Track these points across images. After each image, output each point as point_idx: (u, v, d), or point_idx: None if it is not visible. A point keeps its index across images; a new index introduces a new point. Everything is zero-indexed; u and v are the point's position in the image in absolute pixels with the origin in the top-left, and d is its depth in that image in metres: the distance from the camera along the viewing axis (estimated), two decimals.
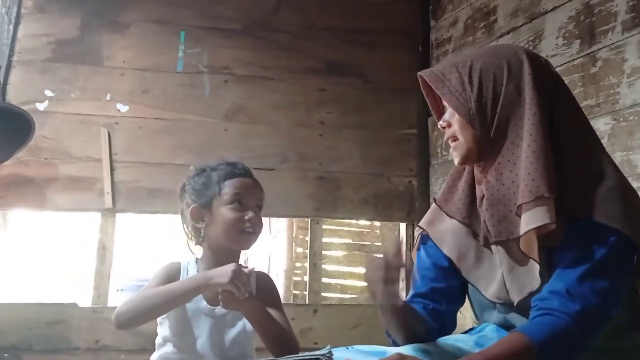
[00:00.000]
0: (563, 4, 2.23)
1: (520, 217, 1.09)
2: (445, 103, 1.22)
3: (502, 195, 1.12)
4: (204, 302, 1.45)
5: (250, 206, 1.47)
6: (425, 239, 1.31)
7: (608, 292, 1.03)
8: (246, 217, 1.44)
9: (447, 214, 1.26)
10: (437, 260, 1.28)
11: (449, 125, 1.20)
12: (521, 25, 2.43)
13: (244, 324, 1.45)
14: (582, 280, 1.02)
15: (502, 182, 1.13)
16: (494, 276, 1.17)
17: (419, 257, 1.32)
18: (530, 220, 1.06)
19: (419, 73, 1.24)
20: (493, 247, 1.18)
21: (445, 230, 1.26)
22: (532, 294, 1.09)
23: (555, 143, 1.10)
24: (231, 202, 1.45)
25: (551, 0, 2.29)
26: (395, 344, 1.21)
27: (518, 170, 1.11)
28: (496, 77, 1.15)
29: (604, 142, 1.99)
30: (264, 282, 1.53)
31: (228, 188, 1.46)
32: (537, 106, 1.11)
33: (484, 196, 1.16)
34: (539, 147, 1.08)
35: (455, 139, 1.19)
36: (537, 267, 1.08)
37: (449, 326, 1.27)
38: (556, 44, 2.24)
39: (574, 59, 2.15)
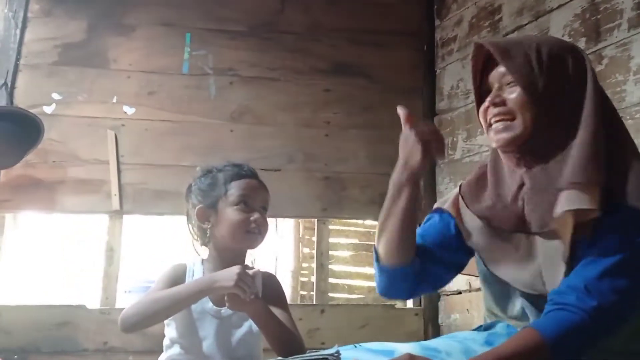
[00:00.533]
0: (568, 1, 2.23)
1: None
2: (502, 80, 1.15)
3: (547, 184, 1.09)
4: (210, 304, 1.46)
5: (256, 207, 1.48)
6: (443, 211, 1.29)
7: (627, 292, 1.01)
8: (252, 218, 1.46)
9: (473, 213, 1.22)
10: (444, 230, 1.27)
11: (504, 103, 1.14)
12: (526, 24, 2.42)
13: (250, 324, 1.45)
14: (601, 277, 1.01)
15: (548, 171, 1.10)
16: (526, 267, 1.14)
17: (429, 218, 1.31)
18: (570, 202, 1.04)
19: (478, 42, 1.19)
20: (523, 236, 1.14)
21: (472, 226, 1.23)
22: None
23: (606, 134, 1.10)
24: (237, 203, 1.46)
25: None
26: (377, 260, 1.23)
27: (566, 160, 1.08)
28: (564, 63, 1.13)
29: None
30: (270, 282, 1.54)
31: (234, 189, 1.48)
32: (598, 97, 1.11)
33: (521, 184, 1.13)
34: (594, 137, 1.07)
35: (510, 118, 1.13)
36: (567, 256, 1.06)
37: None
38: None
39: None
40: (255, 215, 1.46)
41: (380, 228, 1.22)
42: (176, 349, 1.46)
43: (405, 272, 1.22)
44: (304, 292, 4.58)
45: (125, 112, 2.75)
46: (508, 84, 1.14)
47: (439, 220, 1.29)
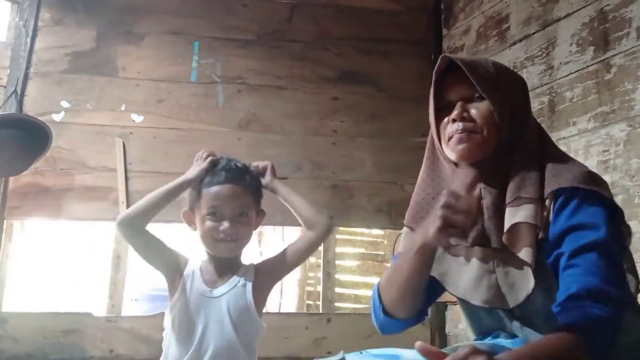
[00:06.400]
0: (576, 10, 2.22)
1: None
2: (466, 94, 1.15)
3: (502, 202, 1.11)
4: (204, 285, 1.48)
5: (226, 216, 1.46)
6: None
7: (614, 267, 1.01)
8: (220, 228, 1.45)
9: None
10: None
11: (471, 117, 1.13)
12: (534, 33, 2.42)
13: (247, 305, 1.47)
14: (589, 271, 1.00)
15: (500, 190, 1.12)
16: (483, 282, 1.13)
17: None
18: (513, 216, 1.06)
19: (445, 55, 1.17)
20: (481, 250, 1.13)
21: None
22: (529, 297, 1.07)
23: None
24: (207, 214, 1.47)
25: (564, 7, 2.29)
26: (386, 316, 1.19)
27: (510, 178, 1.11)
28: (519, 82, 1.19)
29: (620, 148, 1.98)
30: (260, 264, 1.57)
31: (204, 199, 1.48)
32: (535, 121, 1.19)
33: (480, 199, 1.13)
34: (533, 159, 1.12)
35: (475, 132, 1.12)
36: (529, 269, 1.06)
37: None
38: (570, 51, 2.23)
39: (588, 66, 2.14)
40: (223, 225, 1.45)
41: (390, 280, 1.18)
42: (173, 336, 1.47)
43: (409, 322, 1.21)
44: (310, 302, 4.55)
45: (134, 120, 2.76)
46: (473, 98, 1.14)
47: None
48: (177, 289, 1.49)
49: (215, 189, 1.48)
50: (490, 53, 2.65)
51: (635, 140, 1.94)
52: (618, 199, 1.96)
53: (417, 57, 3.03)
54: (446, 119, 1.16)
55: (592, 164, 2.07)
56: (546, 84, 2.32)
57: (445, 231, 1.02)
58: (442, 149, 1.19)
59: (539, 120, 2.36)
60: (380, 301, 1.19)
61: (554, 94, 2.28)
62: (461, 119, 1.13)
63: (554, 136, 2.24)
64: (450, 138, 1.14)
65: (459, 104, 1.14)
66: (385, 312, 1.19)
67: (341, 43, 2.99)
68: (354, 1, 3.06)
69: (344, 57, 2.97)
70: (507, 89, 1.15)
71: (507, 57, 2.54)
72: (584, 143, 2.12)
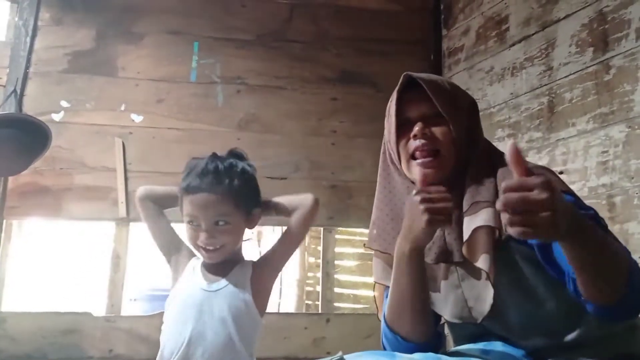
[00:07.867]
0: (576, 11, 2.23)
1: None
2: (426, 113, 1.17)
3: (459, 216, 1.11)
4: (203, 280, 1.48)
5: (203, 225, 1.42)
6: None
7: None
8: (200, 238, 1.43)
9: (388, 254, 1.20)
10: None
11: (433, 137, 1.15)
12: (533, 34, 2.42)
13: (244, 301, 1.46)
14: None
15: (458, 205, 1.12)
16: (450, 297, 1.14)
17: None
18: (472, 223, 1.07)
19: (408, 73, 1.18)
20: (444, 267, 1.14)
21: None
22: (495, 307, 1.06)
23: None
24: (186, 221, 1.45)
25: (564, 8, 2.29)
26: (397, 339, 1.14)
27: (465, 190, 1.13)
28: (471, 108, 1.21)
29: (619, 149, 1.98)
30: (258, 260, 1.57)
31: (184, 205, 1.45)
32: (484, 137, 1.23)
33: None
34: (485, 169, 1.14)
35: (437, 153, 1.15)
36: (487, 277, 1.06)
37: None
38: (569, 52, 2.23)
39: (587, 67, 2.14)
40: (201, 237, 1.42)
41: (394, 305, 1.15)
42: (167, 328, 1.47)
43: (430, 347, 1.15)
44: (309, 302, 4.56)
45: (133, 120, 2.76)
46: (431, 117, 1.16)
47: None
48: (177, 278, 1.50)
49: (189, 198, 1.43)
50: (490, 54, 2.65)
51: (635, 142, 1.94)
52: (617, 200, 1.97)
53: (417, 58, 3.03)
54: (406, 138, 1.18)
55: (591, 165, 2.07)
56: (545, 84, 2.32)
57: (435, 222, 1.03)
58: (399, 167, 1.21)
59: (538, 120, 2.38)
60: (395, 333, 1.14)
61: (553, 95, 2.28)
62: (422, 135, 1.14)
63: (552, 137, 2.25)
64: (411, 155, 1.16)
65: (419, 123, 1.16)
66: (407, 340, 1.14)
67: (340, 43, 2.99)
68: (353, 1, 3.06)
69: (343, 58, 2.97)
70: (463, 107, 1.18)
71: (507, 58, 2.54)
72: (583, 144, 2.12)
